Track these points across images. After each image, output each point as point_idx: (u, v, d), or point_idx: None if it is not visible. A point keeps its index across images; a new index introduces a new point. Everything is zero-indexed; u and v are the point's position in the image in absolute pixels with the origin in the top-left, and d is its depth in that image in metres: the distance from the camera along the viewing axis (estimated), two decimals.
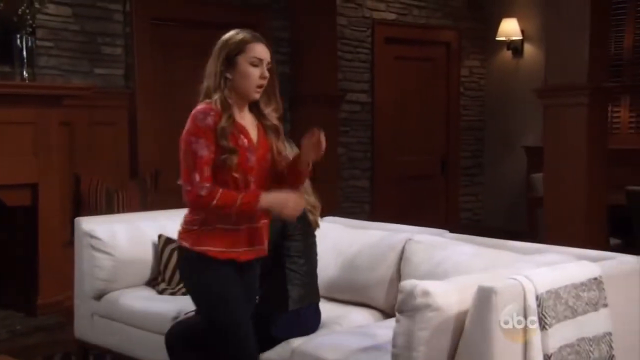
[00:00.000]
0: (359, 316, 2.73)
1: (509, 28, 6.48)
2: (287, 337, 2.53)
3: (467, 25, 6.74)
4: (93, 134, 4.62)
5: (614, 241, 4.37)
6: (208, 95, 2.17)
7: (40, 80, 4.10)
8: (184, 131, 2.15)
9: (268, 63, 2.18)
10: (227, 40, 2.19)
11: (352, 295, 2.87)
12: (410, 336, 2.08)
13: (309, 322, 2.60)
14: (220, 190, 2.11)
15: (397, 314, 2.13)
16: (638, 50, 5.79)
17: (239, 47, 2.15)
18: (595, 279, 2.20)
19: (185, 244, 2.24)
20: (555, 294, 2.08)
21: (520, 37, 6.50)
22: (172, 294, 3.10)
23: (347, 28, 5.96)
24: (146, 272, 3.22)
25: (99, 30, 4.64)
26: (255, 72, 2.15)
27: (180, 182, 2.19)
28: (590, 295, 2.16)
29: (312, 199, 2.73)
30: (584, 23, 3.93)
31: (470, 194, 7.02)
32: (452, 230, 3.05)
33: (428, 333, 2.04)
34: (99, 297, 3.13)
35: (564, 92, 4.07)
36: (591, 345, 2.13)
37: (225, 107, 2.14)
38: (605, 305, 2.19)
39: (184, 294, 3.12)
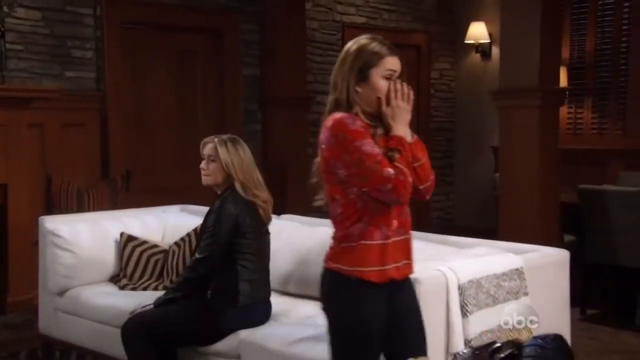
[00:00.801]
0: (308, 308, 2.87)
1: (477, 31, 6.66)
2: (236, 330, 2.68)
3: (437, 29, 6.91)
4: (64, 135, 4.74)
5: (568, 238, 4.55)
6: (339, 108, 1.97)
7: (9, 83, 4.22)
8: (333, 144, 1.92)
9: (398, 75, 2.01)
10: (360, 50, 1.98)
11: (303, 288, 3.01)
12: None
13: (258, 316, 2.74)
14: (397, 167, 1.90)
15: None
16: (599, 53, 5.97)
17: (373, 61, 1.97)
18: (517, 269, 2.37)
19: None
20: (476, 283, 2.25)
21: (488, 40, 6.67)
22: (133, 289, 3.24)
23: (318, 31, 6.11)
24: (109, 269, 3.35)
25: (69, 34, 4.76)
26: (385, 86, 1.96)
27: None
28: (512, 284, 2.33)
29: (264, 194, 2.86)
30: (535, 28, 4.10)
31: (442, 194, 7.19)
32: (424, 230, 3.13)
33: None
34: (61, 293, 3.26)
35: (516, 95, 4.24)
36: (511, 331, 2.29)
37: (371, 120, 1.96)
38: (526, 294, 2.36)
39: (144, 289, 3.27)
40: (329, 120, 1.93)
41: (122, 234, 3.35)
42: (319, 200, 2.08)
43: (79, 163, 4.77)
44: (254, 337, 2.61)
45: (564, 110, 5.77)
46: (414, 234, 2.99)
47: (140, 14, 5.09)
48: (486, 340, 2.23)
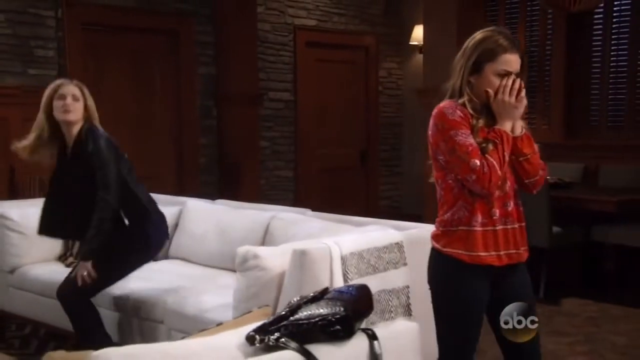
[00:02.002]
0: (229, 279, 3.12)
1: (421, 34, 6.91)
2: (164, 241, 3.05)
3: (384, 31, 7.16)
4: (28, 129, 4.90)
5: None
6: (453, 95, 2.01)
7: None
8: (435, 132, 1.98)
9: (517, 72, 1.96)
10: (480, 42, 1.95)
11: (227, 263, 3.26)
12: (244, 291, 2.48)
13: (164, 221, 3.04)
14: (486, 159, 1.89)
15: (236, 273, 2.53)
16: (529, 54, 6.27)
17: (490, 55, 1.92)
18: (397, 243, 2.62)
19: None
20: (358, 255, 2.50)
21: None
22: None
23: (271, 33, 6.34)
24: (56, 249, 3.57)
25: (32, 35, 4.95)
26: (496, 83, 1.92)
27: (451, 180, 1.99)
28: (391, 256, 2.58)
29: None
30: (452, 31, 4.37)
31: (390, 183, 7.46)
32: (372, 217, 3.29)
33: (257, 289, 2.45)
34: (12, 270, 3.47)
35: (438, 93, 4.50)
36: (390, 295, 2.54)
37: (474, 110, 1.96)
38: (405, 264, 2.62)
39: None
40: (434, 109, 1.99)
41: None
42: (432, 179, 2.11)
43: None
44: (176, 305, 2.85)
45: None
46: (321, 214, 3.28)
47: (100, 16, 5.28)
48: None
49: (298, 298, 1.53)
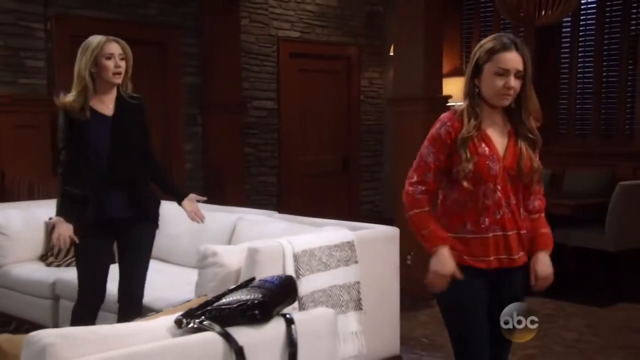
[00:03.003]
0: (180, 271, 3.24)
1: None
2: None
3: (366, 42, 7.30)
4: (18, 135, 5.05)
5: None
6: (465, 99, 2.04)
7: None
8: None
9: (519, 71, 1.97)
10: (481, 45, 2.02)
11: (186, 259, 3.38)
12: (204, 286, 2.60)
13: None
14: (424, 209, 2.03)
15: (198, 269, 2.66)
16: None
17: (486, 56, 1.97)
18: (349, 242, 2.75)
19: None
20: (310, 252, 2.63)
21: None
22: (58, 265, 3.58)
23: (255, 44, 6.48)
24: (38, 249, 3.69)
25: (22, 46, 5.09)
26: (498, 82, 1.95)
27: None
28: (342, 254, 2.71)
29: None
30: (419, 45, 4.50)
31: (372, 189, 7.59)
32: (354, 220, 3.37)
33: (216, 283, 2.57)
34: None
35: (405, 102, 4.64)
36: (341, 291, 2.67)
37: (471, 115, 1.99)
38: (356, 262, 2.75)
39: (67, 265, 3.60)
40: (443, 114, 2.10)
41: (50, 218, 3.67)
42: None
43: (31, 160, 5.08)
44: (148, 301, 2.96)
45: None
46: (286, 216, 3.41)
47: (88, 29, 5.35)
48: (317, 298, 2.61)
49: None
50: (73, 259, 3.65)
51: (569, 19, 6.01)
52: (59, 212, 2.74)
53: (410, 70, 4.56)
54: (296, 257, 2.57)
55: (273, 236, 3.12)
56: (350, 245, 2.73)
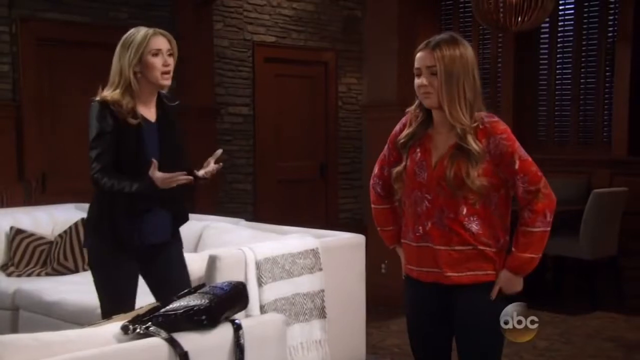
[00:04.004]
0: None
1: None
2: None
3: (343, 47, 7.39)
4: None
5: None
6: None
7: None
8: None
9: (428, 67, 2.02)
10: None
11: None
12: None
13: None
14: (381, 205, 2.12)
15: None
16: (482, 70, 6.53)
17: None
18: (313, 249, 2.81)
19: None
20: (272, 260, 2.68)
21: None
22: (19, 275, 3.59)
23: (229, 49, 6.53)
24: None
25: None
26: (415, 82, 2.05)
27: None
28: (306, 261, 2.77)
29: None
30: (392, 46, 4.59)
31: (350, 196, 7.66)
32: (332, 229, 3.45)
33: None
34: None
35: (379, 109, 4.72)
36: (305, 299, 2.72)
37: (413, 119, 2.09)
38: (320, 269, 2.80)
39: (28, 275, 3.62)
40: None
41: (11, 228, 3.69)
42: None
43: None
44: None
45: None
46: (253, 224, 3.46)
47: (53, 32, 5.43)
48: (280, 306, 2.66)
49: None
50: (33, 269, 3.68)
51: (547, 25, 6.15)
52: (135, 187, 2.28)
53: (384, 77, 4.64)
54: (258, 265, 2.62)
55: (238, 244, 3.17)
56: (314, 252, 2.78)
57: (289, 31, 6.98)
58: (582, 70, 6.08)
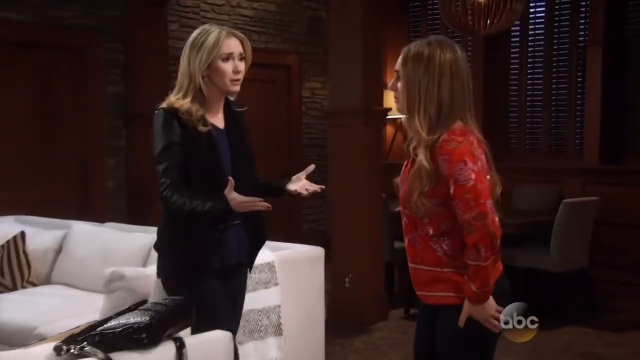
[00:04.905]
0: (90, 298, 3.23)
1: None
2: None
3: (307, 50, 7.44)
4: None
5: (399, 244, 5.08)
6: None
7: None
8: None
9: (396, 71, 2.07)
10: None
11: (94, 284, 3.37)
12: (110, 313, 2.60)
13: None
14: None
15: (103, 295, 2.67)
16: None
17: None
18: (268, 263, 2.82)
19: None
20: None
21: None
22: None
23: None
24: None
25: None
26: None
27: None
28: (262, 276, 2.78)
29: None
30: (357, 54, 4.64)
31: (315, 207, 7.68)
32: (294, 241, 3.45)
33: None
34: None
35: (343, 115, 4.77)
36: (260, 315, 2.73)
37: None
38: (276, 284, 2.81)
39: None
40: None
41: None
42: None
43: None
44: (43, 331, 2.95)
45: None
46: None
47: (0, 32, 5.35)
48: None
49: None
50: None
51: (517, 29, 6.29)
52: (208, 206, 2.17)
53: (348, 81, 4.68)
54: None
55: None
56: (269, 266, 2.79)
57: (250, 33, 7.00)
58: (554, 75, 6.24)
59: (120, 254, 3.44)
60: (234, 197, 2.13)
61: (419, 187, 1.93)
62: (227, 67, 2.29)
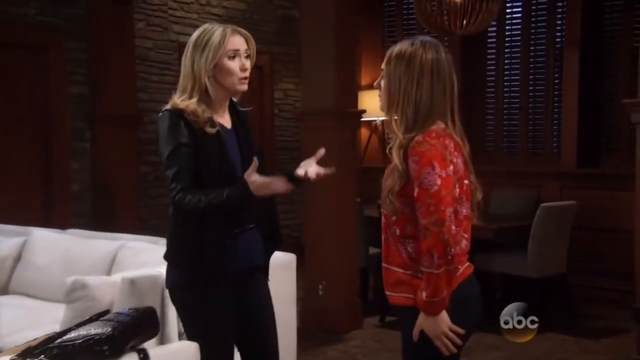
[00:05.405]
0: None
1: None
2: None
3: (279, 50, 7.43)
4: None
5: (373, 250, 5.09)
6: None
7: None
8: None
9: (382, 69, 2.10)
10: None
11: (55, 293, 3.32)
12: (71, 324, 2.56)
13: None
14: None
15: (64, 305, 2.63)
16: None
17: None
18: None
19: None
20: None
21: None
22: None
23: (153, 51, 6.47)
24: None
25: None
26: None
27: None
28: None
29: None
30: (330, 55, 4.65)
31: (289, 212, 7.66)
32: None
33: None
34: None
35: (316, 116, 4.77)
36: None
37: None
38: None
39: None
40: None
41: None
42: None
43: None
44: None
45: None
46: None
47: None
48: None
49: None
50: None
51: (494, 29, 6.36)
52: (227, 194, 2.15)
53: (321, 82, 4.69)
54: None
55: (157, 265, 3.14)
56: None
57: None
58: (531, 77, 6.32)
59: (83, 262, 3.39)
60: (254, 180, 2.11)
61: (390, 185, 1.99)
62: (234, 65, 2.28)
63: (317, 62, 4.71)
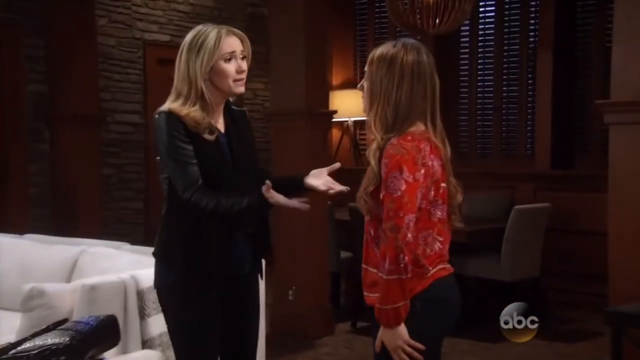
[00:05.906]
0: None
1: None
2: None
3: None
4: None
5: (345, 254, 5.10)
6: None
7: None
8: None
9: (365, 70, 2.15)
10: None
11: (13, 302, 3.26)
12: (28, 333, 2.52)
13: None
14: None
15: (21, 313, 2.58)
16: None
17: None
18: None
19: None
20: None
21: None
22: None
23: (116, 49, 6.40)
24: None
25: None
26: None
27: None
28: None
29: None
30: (300, 55, 4.65)
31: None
32: None
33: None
34: None
35: (286, 117, 4.76)
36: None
37: None
38: None
39: None
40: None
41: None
42: None
43: None
44: None
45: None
46: (139, 248, 3.39)
47: None
48: (166, 340, 2.61)
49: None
50: None
51: (467, 28, 6.42)
52: (246, 202, 2.16)
53: (291, 82, 4.69)
54: (141, 295, 2.57)
55: (119, 271, 3.10)
56: None
57: (186, 29, 6.76)
58: (504, 77, 6.39)
59: (41, 268, 3.34)
60: (273, 196, 2.14)
61: (365, 185, 2.04)
62: (230, 67, 2.26)
63: (286, 62, 4.71)
